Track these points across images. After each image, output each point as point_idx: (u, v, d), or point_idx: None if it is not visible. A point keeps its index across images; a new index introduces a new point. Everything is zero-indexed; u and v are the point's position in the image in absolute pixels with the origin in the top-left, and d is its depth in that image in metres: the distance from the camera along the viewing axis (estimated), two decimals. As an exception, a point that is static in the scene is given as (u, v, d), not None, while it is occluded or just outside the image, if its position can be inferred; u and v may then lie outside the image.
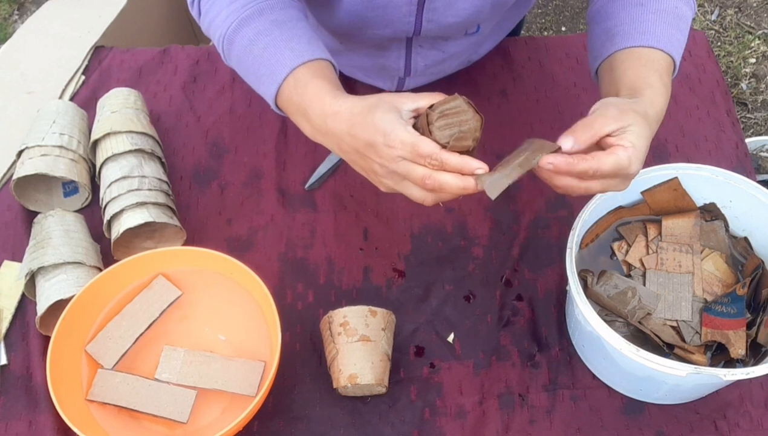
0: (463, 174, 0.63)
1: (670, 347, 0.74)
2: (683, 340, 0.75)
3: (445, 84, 1.01)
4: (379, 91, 1.02)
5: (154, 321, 0.82)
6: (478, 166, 0.62)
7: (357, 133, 0.66)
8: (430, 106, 0.64)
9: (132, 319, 0.81)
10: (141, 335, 0.81)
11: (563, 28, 2.18)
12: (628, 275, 0.79)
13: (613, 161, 0.64)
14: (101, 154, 0.89)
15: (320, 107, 0.69)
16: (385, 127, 0.64)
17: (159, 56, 1.08)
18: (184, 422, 0.76)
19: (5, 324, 0.84)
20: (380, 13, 0.81)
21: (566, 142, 0.65)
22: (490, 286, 0.87)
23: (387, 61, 0.93)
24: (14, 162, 0.95)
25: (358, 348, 0.76)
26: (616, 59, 0.76)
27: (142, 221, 0.82)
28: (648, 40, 0.74)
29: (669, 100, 0.74)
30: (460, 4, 0.80)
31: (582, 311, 0.69)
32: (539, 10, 2.24)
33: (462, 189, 0.63)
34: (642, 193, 0.81)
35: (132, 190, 0.85)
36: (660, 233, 0.81)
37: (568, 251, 0.73)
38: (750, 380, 0.74)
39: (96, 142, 0.90)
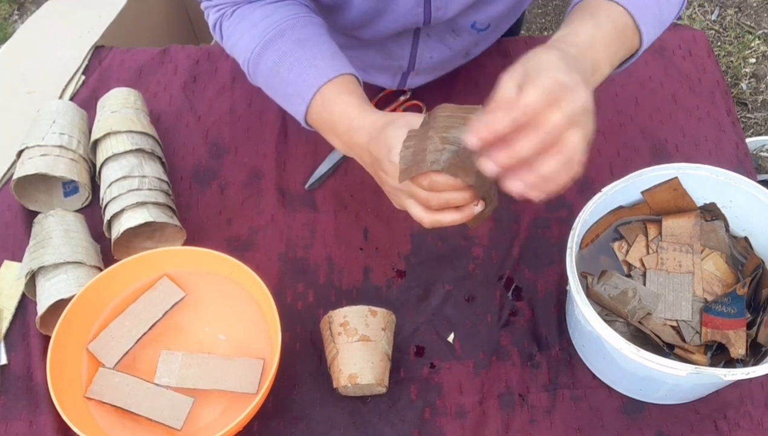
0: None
1: (671, 347, 0.74)
2: (683, 340, 0.75)
3: (445, 84, 1.01)
4: (381, 90, 1.02)
5: (156, 322, 0.82)
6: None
7: (372, 147, 0.68)
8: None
9: (135, 319, 0.81)
10: (143, 335, 0.81)
11: (563, 28, 2.18)
12: (629, 275, 0.79)
13: (539, 86, 0.53)
14: (101, 154, 0.89)
15: (347, 122, 0.72)
16: (392, 142, 0.65)
17: (159, 56, 1.08)
18: (178, 429, 0.76)
19: (5, 324, 0.84)
20: (389, 7, 0.82)
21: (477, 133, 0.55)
22: (490, 286, 0.87)
23: (392, 53, 0.93)
24: (14, 162, 0.95)
25: (358, 348, 0.76)
26: (573, 10, 0.73)
27: (142, 221, 0.82)
28: None
29: (609, 43, 0.67)
30: None
31: (582, 311, 0.69)
32: (539, 10, 2.24)
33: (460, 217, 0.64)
34: (642, 193, 0.81)
35: (132, 190, 0.85)
36: (660, 233, 0.81)
37: (568, 251, 0.73)
38: (750, 380, 0.74)
39: (96, 142, 0.90)
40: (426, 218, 0.65)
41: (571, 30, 0.67)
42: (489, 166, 0.55)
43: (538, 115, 0.54)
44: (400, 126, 0.66)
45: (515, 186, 0.56)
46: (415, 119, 0.67)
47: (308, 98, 0.75)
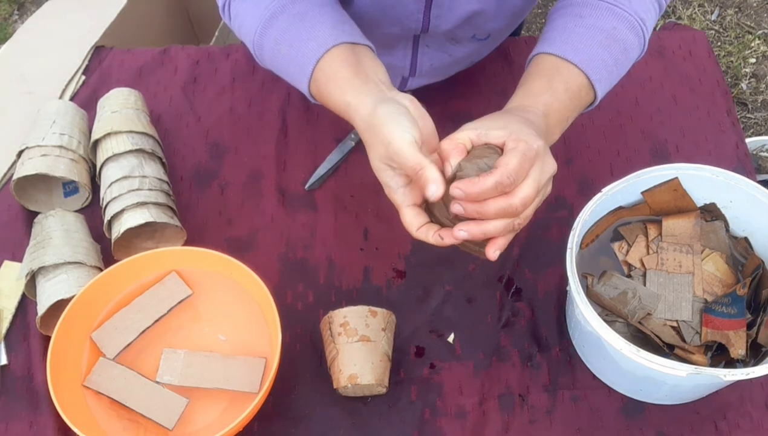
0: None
1: (671, 347, 0.74)
2: (683, 340, 0.75)
3: (446, 84, 1.01)
4: None
5: (161, 317, 0.82)
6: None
7: (366, 137, 0.67)
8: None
9: (140, 312, 0.81)
10: (146, 329, 0.81)
11: (563, 28, 2.18)
12: (629, 275, 0.79)
13: (516, 154, 0.59)
14: (102, 154, 0.89)
15: (344, 106, 0.70)
16: (375, 164, 0.67)
17: (159, 56, 1.07)
18: (170, 428, 0.75)
19: (5, 324, 0.84)
20: (389, 12, 0.81)
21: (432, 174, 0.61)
22: (490, 286, 0.87)
23: (393, 60, 0.93)
24: (14, 162, 0.95)
25: (358, 348, 0.76)
26: (532, 63, 0.76)
27: (142, 221, 0.82)
28: (565, 51, 0.73)
29: (563, 111, 0.72)
30: None
31: (582, 312, 0.69)
32: (539, 10, 2.24)
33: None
34: (642, 193, 0.81)
35: (132, 190, 0.85)
36: (660, 233, 0.81)
37: (568, 251, 0.73)
38: (750, 380, 0.74)
39: (96, 142, 0.90)
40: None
41: (529, 99, 0.71)
42: (457, 208, 0.61)
43: (515, 182, 0.60)
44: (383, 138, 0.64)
45: (460, 235, 0.62)
46: (397, 114, 0.65)
47: (309, 73, 0.72)
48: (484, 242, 0.65)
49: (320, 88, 0.72)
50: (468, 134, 0.63)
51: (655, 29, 0.87)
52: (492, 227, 0.61)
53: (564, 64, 0.73)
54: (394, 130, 0.63)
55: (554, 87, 0.71)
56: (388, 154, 0.63)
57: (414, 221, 0.65)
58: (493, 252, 0.64)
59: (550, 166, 0.63)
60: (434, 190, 0.60)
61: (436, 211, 0.65)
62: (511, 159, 0.59)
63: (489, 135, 0.63)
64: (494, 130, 0.63)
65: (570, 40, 0.74)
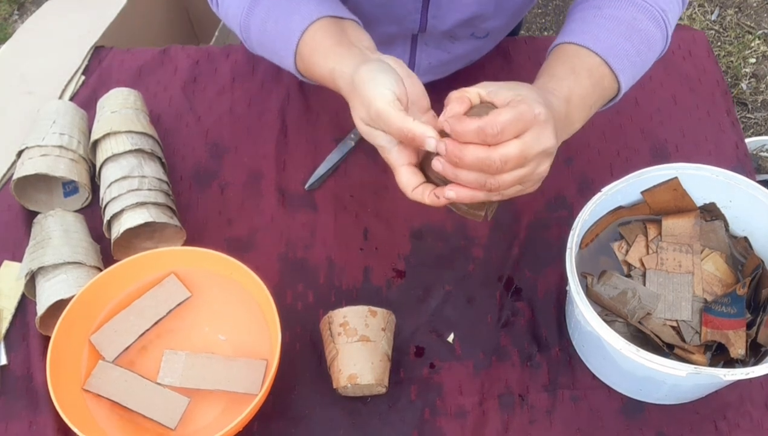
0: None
1: (670, 347, 0.74)
2: (683, 340, 0.75)
3: (446, 84, 1.01)
4: None
5: (160, 319, 0.82)
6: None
7: (349, 99, 0.67)
8: None
9: (139, 314, 0.81)
10: (146, 331, 0.81)
11: (563, 28, 2.18)
12: (628, 275, 0.79)
13: (511, 111, 0.58)
14: (101, 155, 0.89)
15: (329, 75, 0.69)
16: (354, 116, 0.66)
17: (159, 56, 1.08)
18: (172, 428, 0.75)
19: (5, 324, 0.84)
20: (386, 10, 0.81)
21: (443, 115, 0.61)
22: (490, 286, 0.87)
23: None
24: (14, 162, 0.95)
25: (358, 348, 0.76)
26: (552, 53, 0.75)
27: (142, 221, 0.82)
28: (585, 40, 0.72)
29: (586, 98, 0.70)
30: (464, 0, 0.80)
31: (582, 311, 0.69)
32: (539, 10, 2.24)
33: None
34: (642, 193, 0.81)
35: (132, 190, 0.85)
36: (660, 233, 0.81)
37: (567, 250, 0.73)
38: (750, 380, 0.74)
39: (96, 143, 0.90)
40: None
41: (552, 82, 0.69)
42: (437, 165, 0.61)
43: (500, 135, 0.58)
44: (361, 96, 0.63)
45: (436, 166, 0.62)
46: (379, 69, 0.64)
47: (294, 48, 0.71)
48: (479, 205, 0.64)
49: (305, 61, 0.71)
50: (478, 90, 0.62)
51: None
52: (464, 175, 0.60)
53: (585, 52, 0.72)
54: (373, 88, 0.61)
55: (577, 72, 0.70)
56: (371, 115, 0.62)
57: (410, 182, 0.64)
58: (447, 192, 0.62)
59: (547, 139, 0.60)
60: (432, 142, 0.59)
61: (430, 173, 0.64)
62: (503, 113, 0.58)
63: (498, 94, 0.61)
64: (505, 90, 0.61)
65: (589, 29, 0.73)
